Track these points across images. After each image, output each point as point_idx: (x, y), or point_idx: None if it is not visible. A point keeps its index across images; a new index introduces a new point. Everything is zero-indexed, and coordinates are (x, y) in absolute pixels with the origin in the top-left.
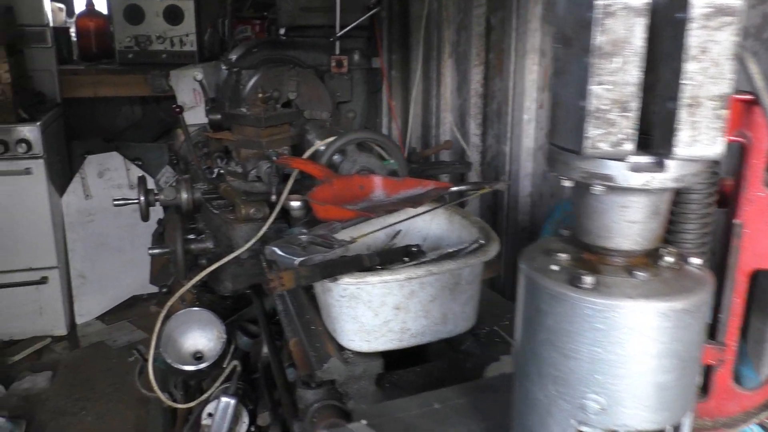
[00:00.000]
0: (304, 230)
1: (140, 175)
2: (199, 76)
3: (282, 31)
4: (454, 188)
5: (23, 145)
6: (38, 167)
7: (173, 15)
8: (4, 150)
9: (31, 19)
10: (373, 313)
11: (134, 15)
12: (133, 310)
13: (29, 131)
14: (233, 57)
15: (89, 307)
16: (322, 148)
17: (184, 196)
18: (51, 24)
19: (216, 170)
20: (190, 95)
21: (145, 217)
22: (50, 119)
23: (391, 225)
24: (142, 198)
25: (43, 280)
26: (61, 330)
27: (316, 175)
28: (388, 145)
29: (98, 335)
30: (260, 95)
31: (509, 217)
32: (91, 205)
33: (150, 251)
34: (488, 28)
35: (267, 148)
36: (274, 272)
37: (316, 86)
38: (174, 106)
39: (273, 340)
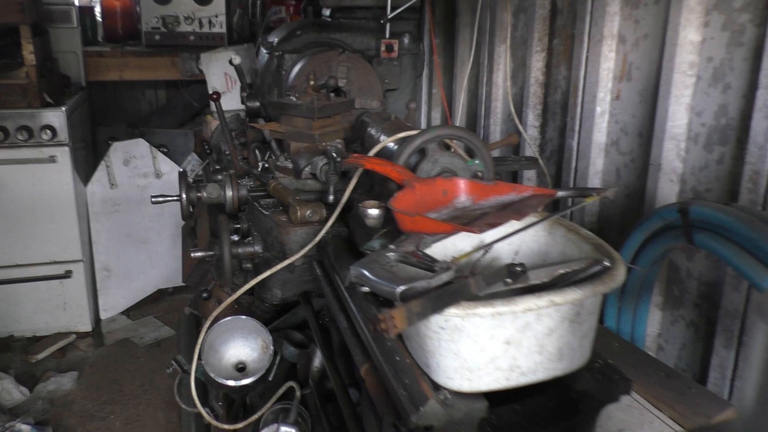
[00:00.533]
0: (390, 246)
1: (180, 170)
2: (237, 60)
3: (327, 12)
4: (558, 194)
5: (48, 131)
6: (63, 155)
7: None
8: (27, 137)
9: None
10: (478, 348)
11: None
12: (159, 305)
13: (54, 117)
14: (274, 40)
15: (114, 302)
16: (392, 145)
17: (230, 194)
18: (76, 3)
19: (261, 164)
20: (222, 80)
21: (186, 216)
22: (75, 104)
23: (495, 241)
24: (184, 196)
25: (68, 274)
26: (86, 326)
27: (395, 178)
28: (474, 143)
29: (124, 331)
30: (312, 82)
31: (573, 218)
32: (116, 195)
33: (193, 253)
34: (553, 12)
35: (320, 142)
36: (384, 312)
37: (366, 73)
38: (211, 92)
39: (332, 357)
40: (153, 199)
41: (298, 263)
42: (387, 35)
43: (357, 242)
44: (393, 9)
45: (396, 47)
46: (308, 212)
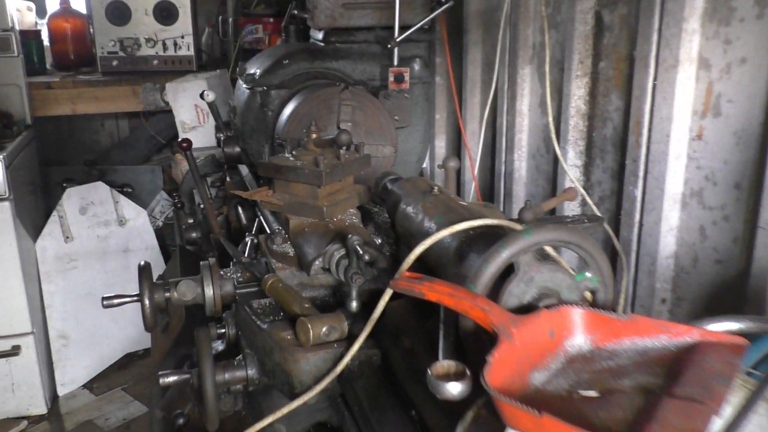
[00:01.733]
0: None
1: (141, 263)
2: (211, 97)
3: (317, 35)
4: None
5: None
6: (3, 212)
7: (165, 13)
8: None
9: None
10: None
11: (118, 14)
12: (128, 372)
13: None
14: (256, 72)
15: (74, 374)
16: (449, 239)
17: (210, 293)
18: (17, 27)
19: (248, 241)
20: (192, 112)
21: (150, 326)
22: (18, 147)
23: None
24: (147, 302)
25: (15, 351)
26: (40, 408)
27: (480, 321)
28: (589, 250)
29: (86, 411)
30: (313, 135)
31: (639, 284)
32: (73, 249)
33: (162, 379)
34: (599, 28)
35: (329, 216)
36: None
37: (375, 112)
38: (180, 140)
39: None
40: (105, 302)
41: (311, 401)
42: (396, 62)
43: (399, 376)
44: (402, 30)
45: (407, 77)
46: (324, 329)
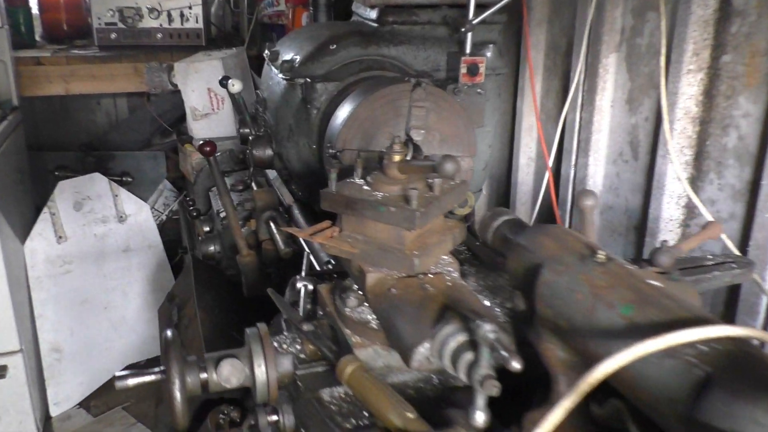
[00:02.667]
0: None
1: (168, 335)
2: (237, 87)
3: (371, 13)
4: None
5: None
6: None
7: None
8: None
9: None
10: None
11: None
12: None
13: None
14: (294, 58)
15: (68, 391)
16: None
17: (262, 377)
18: None
19: (301, 289)
20: (204, 97)
21: (182, 426)
22: (2, 135)
23: None
24: (177, 388)
25: (1, 373)
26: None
27: None
28: None
29: None
30: (397, 155)
31: None
32: (66, 250)
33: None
34: (724, 13)
35: (421, 268)
36: None
37: (452, 115)
38: (202, 143)
39: None
40: (118, 383)
41: None
42: (468, 49)
43: None
44: (479, 8)
45: (482, 68)
46: None
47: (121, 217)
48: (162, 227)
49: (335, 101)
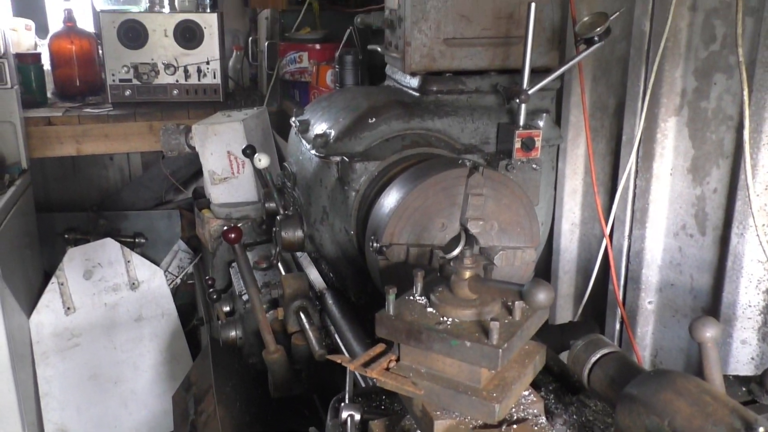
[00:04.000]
0: None
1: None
2: (264, 163)
3: (412, 81)
4: None
5: None
6: None
7: (188, 34)
8: None
9: None
10: None
11: (133, 35)
12: None
13: None
14: (329, 132)
15: None
16: None
17: None
18: (12, 51)
19: (347, 421)
20: (224, 161)
21: None
22: (10, 202)
23: None
24: None
25: None
26: None
27: None
28: None
29: None
30: (468, 270)
31: None
32: (75, 322)
33: None
34: None
35: (502, 414)
36: None
37: (514, 200)
38: (227, 229)
39: None
40: None
41: None
42: (522, 121)
43: None
44: (536, 75)
45: (538, 141)
46: None
47: (134, 284)
48: (176, 291)
49: (376, 183)
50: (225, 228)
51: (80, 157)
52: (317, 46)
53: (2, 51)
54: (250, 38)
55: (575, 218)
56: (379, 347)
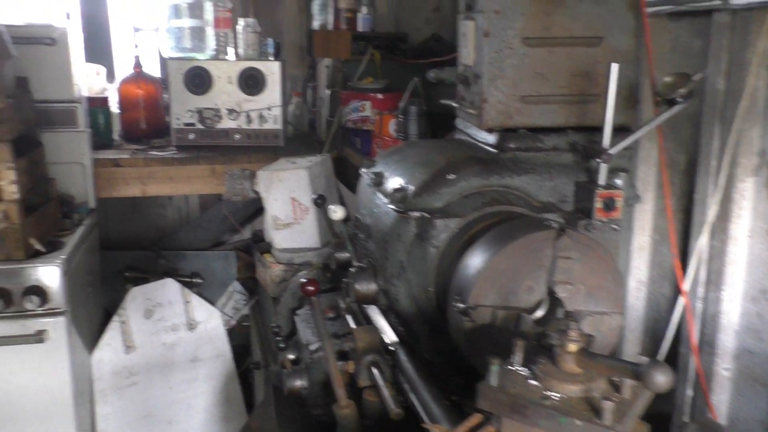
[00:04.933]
0: None
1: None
2: (339, 215)
3: (488, 137)
4: None
5: (34, 298)
6: (57, 329)
7: (252, 81)
8: (4, 305)
9: (55, 93)
10: None
11: (198, 81)
12: None
13: (46, 274)
14: (408, 187)
15: None
16: None
17: None
18: (85, 95)
19: None
20: (287, 207)
21: None
22: (79, 242)
23: None
24: None
25: None
26: None
27: None
28: None
29: None
30: (573, 343)
31: None
32: (134, 361)
33: None
34: None
35: None
36: None
37: (601, 264)
38: (306, 282)
39: None
40: None
41: None
42: (602, 181)
43: None
44: (621, 132)
45: (619, 202)
46: None
47: (191, 324)
48: (230, 332)
49: (458, 240)
50: (303, 280)
51: (140, 196)
52: (380, 96)
53: (77, 96)
54: (309, 85)
55: (642, 276)
56: (476, 418)
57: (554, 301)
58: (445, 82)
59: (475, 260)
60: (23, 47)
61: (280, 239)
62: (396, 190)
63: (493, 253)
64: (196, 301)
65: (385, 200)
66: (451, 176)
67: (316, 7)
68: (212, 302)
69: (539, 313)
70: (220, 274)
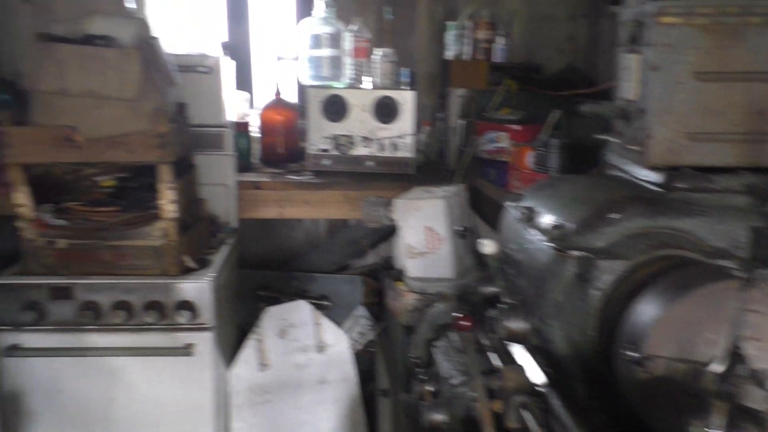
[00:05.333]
0: None
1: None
2: (489, 249)
3: (654, 176)
4: None
5: (185, 312)
6: (204, 344)
7: (385, 110)
8: (158, 317)
9: (207, 118)
10: None
11: (335, 109)
12: None
13: (195, 290)
14: (566, 225)
15: None
16: None
17: None
18: (231, 120)
19: None
20: (421, 236)
21: None
22: (225, 260)
23: None
24: None
25: None
26: None
27: None
28: None
29: None
30: None
31: None
32: (268, 379)
33: None
34: None
35: None
36: None
37: None
38: (461, 317)
39: None
40: None
41: None
42: None
43: None
44: None
45: None
46: None
47: (321, 347)
48: (355, 357)
49: (624, 283)
50: (458, 315)
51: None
52: (517, 127)
53: (226, 121)
54: (438, 114)
55: None
56: None
57: (737, 357)
58: (602, 117)
59: (650, 308)
60: (182, 75)
61: (413, 268)
62: (553, 227)
63: (671, 301)
64: (326, 323)
65: (540, 237)
66: (616, 215)
67: (450, 37)
68: (337, 325)
69: (719, 367)
70: (346, 298)
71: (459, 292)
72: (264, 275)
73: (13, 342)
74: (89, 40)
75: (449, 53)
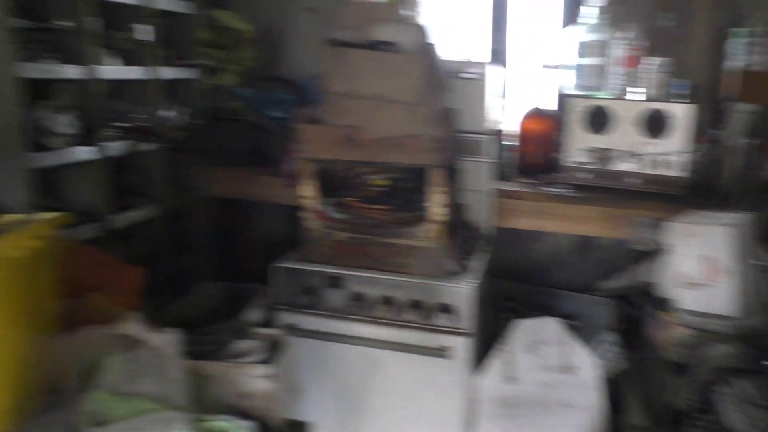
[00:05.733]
0: None
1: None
2: None
3: None
4: None
5: (444, 315)
6: (462, 348)
7: (654, 123)
8: (417, 316)
9: (471, 124)
10: None
11: (598, 120)
12: None
13: (457, 295)
14: None
15: None
16: None
17: None
18: (495, 128)
19: None
20: (695, 265)
21: None
22: (485, 269)
23: None
24: None
25: None
26: None
27: None
28: None
29: None
30: None
31: None
32: (513, 393)
33: None
34: None
35: None
36: None
37: None
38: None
39: None
40: None
41: None
42: None
43: None
44: None
45: None
46: None
47: (568, 368)
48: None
49: None
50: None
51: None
52: None
53: (488, 128)
54: (712, 131)
55: None
56: None
57: None
58: None
59: None
60: (451, 80)
61: (684, 299)
62: None
63: None
64: (575, 344)
65: None
66: None
67: (737, 46)
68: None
69: None
70: (592, 319)
71: (744, 333)
72: (508, 286)
73: (291, 321)
74: (375, 45)
75: (733, 63)
